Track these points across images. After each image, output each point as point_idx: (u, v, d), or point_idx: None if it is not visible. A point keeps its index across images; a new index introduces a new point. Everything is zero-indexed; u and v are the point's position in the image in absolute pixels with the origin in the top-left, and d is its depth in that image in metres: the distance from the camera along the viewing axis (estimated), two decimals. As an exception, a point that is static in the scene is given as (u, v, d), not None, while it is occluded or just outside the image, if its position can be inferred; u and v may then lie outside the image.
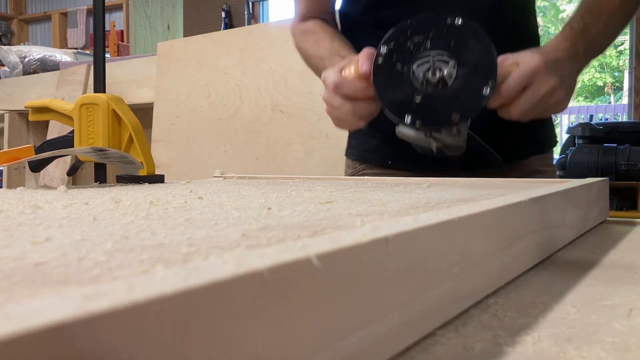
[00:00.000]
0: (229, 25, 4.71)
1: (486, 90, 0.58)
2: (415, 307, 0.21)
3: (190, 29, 4.25)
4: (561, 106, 0.66)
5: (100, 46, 0.78)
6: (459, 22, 0.59)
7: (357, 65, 0.64)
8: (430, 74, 0.59)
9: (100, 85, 0.78)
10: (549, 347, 0.21)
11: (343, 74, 0.65)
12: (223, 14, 4.76)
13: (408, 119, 0.59)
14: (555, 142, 0.90)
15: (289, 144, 1.47)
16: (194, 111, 1.64)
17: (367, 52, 0.64)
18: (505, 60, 0.62)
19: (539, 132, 0.86)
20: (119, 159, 0.66)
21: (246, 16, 4.80)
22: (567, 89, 0.65)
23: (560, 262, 0.38)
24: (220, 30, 4.12)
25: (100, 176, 0.77)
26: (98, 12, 0.78)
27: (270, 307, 0.14)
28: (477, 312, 0.26)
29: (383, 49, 0.61)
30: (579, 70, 0.71)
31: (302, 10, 0.89)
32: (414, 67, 0.59)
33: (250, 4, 4.85)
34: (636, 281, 0.32)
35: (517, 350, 0.21)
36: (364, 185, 0.58)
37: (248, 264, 0.14)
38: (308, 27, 0.87)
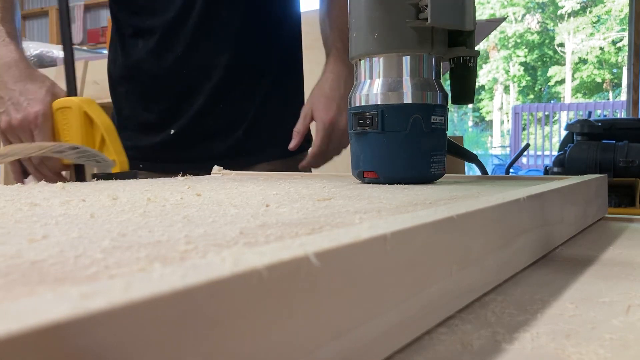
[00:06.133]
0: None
1: None
2: (413, 305, 0.21)
3: (188, 25, 4.22)
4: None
5: (68, 49, 0.79)
6: None
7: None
8: None
9: (72, 88, 0.80)
10: (548, 344, 0.21)
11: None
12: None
13: None
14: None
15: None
16: (192, 107, 1.64)
17: None
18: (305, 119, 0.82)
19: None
20: (91, 157, 0.69)
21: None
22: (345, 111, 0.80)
23: (559, 259, 0.38)
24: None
25: (80, 177, 0.81)
26: (63, 15, 0.79)
27: (268, 305, 0.14)
28: (475, 309, 0.26)
29: None
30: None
31: None
32: None
33: (249, 0, 4.82)
34: (634, 278, 0.32)
35: (515, 347, 0.21)
36: (362, 183, 0.58)
37: (246, 262, 0.14)
38: None
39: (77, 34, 5.64)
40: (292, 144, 0.85)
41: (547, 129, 7.45)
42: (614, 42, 12.20)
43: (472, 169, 1.43)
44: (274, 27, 0.93)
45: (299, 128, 0.85)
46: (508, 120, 11.89)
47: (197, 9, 0.86)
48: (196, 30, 0.87)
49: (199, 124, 0.89)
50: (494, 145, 11.28)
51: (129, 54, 0.91)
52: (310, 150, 0.85)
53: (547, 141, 7.27)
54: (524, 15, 13.61)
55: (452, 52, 0.55)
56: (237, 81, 0.89)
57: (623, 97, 7.23)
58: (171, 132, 0.89)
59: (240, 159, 0.86)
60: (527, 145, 3.16)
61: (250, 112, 0.90)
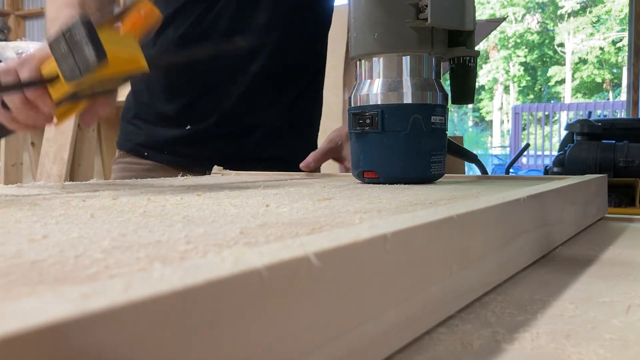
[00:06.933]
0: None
1: None
2: (413, 305, 0.21)
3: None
4: None
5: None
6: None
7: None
8: None
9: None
10: (547, 344, 0.21)
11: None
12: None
13: None
14: None
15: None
16: (192, 107, 1.64)
17: None
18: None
19: None
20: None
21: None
22: None
23: (559, 259, 0.38)
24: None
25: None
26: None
27: (268, 305, 0.14)
28: (475, 309, 0.26)
29: None
30: None
31: None
32: None
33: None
34: (634, 278, 0.32)
35: (515, 347, 0.21)
36: (362, 183, 0.58)
37: (246, 262, 0.14)
38: None
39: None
40: (304, 164, 0.81)
41: (547, 129, 7.46)
42: (613, 42, 12.21)
43: (472, 169, 1.43)
44: (311, 39, 0.92)
45: (316, 157, 0.82)
46: (508, 120, 11.90)
47: (232, 8, 0.84)
48: (230, 29, 0.84)
49: (216, 124, 0.87)
50: (494, 145, 11.29)
51: (159, 40, 0.87)
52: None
53: (547, 141, 7.27)
54: (523, 15, 13.61)
55: (452, 52, 0.55)
56: (263, 90, 0.88)
57: (623, 97, 7.23)
58: (187, 128, 0.88)
59: (248, 164, 0.86)
60: (527, 145, 3.16)
61: (267, 121, 0.89)
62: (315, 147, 0.96)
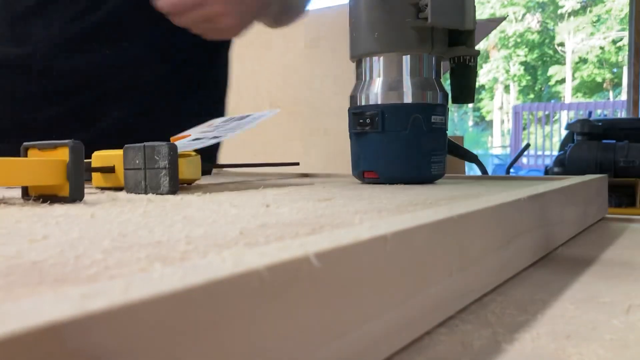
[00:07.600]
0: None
1: None
2: (413, 305, 0.21)
3: (189, 25, 4.21)
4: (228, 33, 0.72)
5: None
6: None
7: None
8: None
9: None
10: (548, 345, 0.21)
11: None
12: (221, 10, 4.71)
13: None
14: None
15: (287, 140, 1.47)
16: (192, 107, 1.64)
17: None
18: None
19: None
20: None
21: (244, 12, 4.76)
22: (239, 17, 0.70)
23: (559, 259, 0.38)
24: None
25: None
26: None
27: (269, 306, 0.14)
28: (475, 309, 0.26)
29: None
30: None
31: None
32: None
33: None
34: (635, 278, 0.32)
35: (515, 348, 0.21)
36: (362, 183, 0.58)
37: (246, 263, 0.14)
38: None
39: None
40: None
41: (547, 128, 7.45)
42: (614, 42, 12.21)
43: (472, 169, 1.43)
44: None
45: None
46: (508, 120, 11.90)
47: None
48: (119, 34, 0.73)
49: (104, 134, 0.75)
50: (494, 145, 11.29)
51: (28, 40, 0.72)
52: None
53: (548, 141, 7.26)
54: (524, 14, 13.62)
55: (452, 51, 0.55)
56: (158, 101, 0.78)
57: (623, 96, 7.23)
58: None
59: None
60: (528, 145, 3.16)
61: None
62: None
